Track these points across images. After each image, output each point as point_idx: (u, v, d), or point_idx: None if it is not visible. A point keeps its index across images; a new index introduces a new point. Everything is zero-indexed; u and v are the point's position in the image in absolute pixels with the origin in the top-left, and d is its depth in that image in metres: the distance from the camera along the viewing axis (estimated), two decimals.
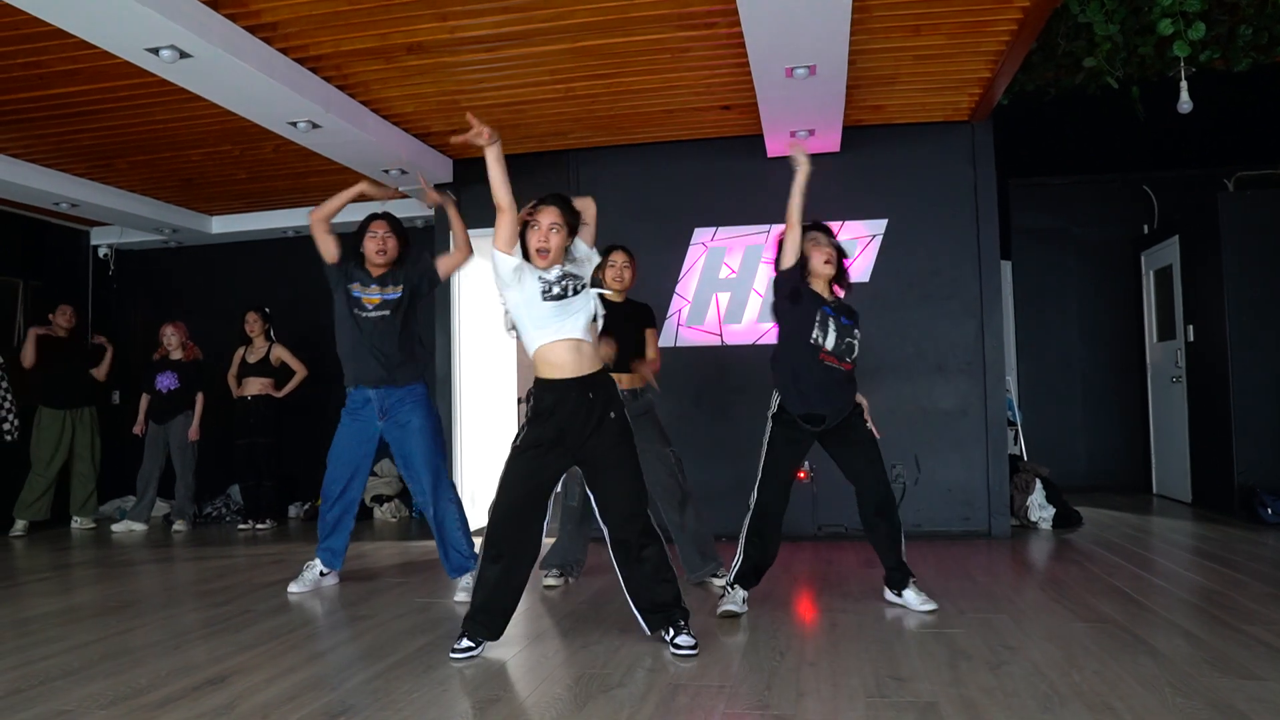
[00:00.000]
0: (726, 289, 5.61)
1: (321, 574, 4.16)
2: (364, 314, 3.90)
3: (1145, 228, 7.37)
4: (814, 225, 3.48)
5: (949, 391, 5.37)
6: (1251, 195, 5.95)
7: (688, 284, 5.64)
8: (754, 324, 5.58)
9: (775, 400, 3.47)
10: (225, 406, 6.64)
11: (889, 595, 3.58)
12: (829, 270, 3.43)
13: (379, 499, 6.94)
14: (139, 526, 6.44)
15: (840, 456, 3.53)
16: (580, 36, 4.15)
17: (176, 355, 6.63)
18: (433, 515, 3.97)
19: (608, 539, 3.04)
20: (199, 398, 6.59)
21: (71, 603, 3.98)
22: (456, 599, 3.83)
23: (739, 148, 5.59)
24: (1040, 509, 5.64)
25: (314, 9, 3.82)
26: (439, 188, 4.31)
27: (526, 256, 2.99)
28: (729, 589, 3.47)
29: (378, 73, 4.51)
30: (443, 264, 4.05)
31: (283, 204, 7.07)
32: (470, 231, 5.92)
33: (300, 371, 6.50)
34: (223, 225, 7.43)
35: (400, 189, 6.19)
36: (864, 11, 3.87)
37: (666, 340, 5.51)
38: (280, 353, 6.52)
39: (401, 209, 6.74)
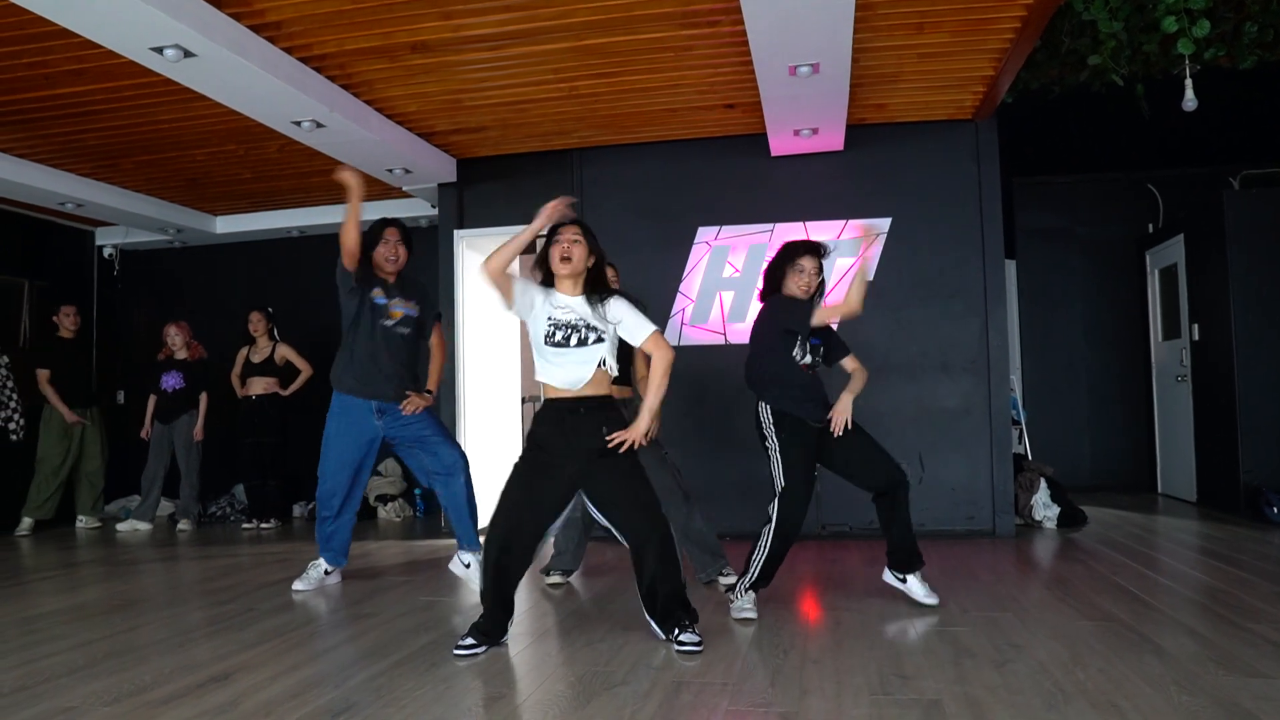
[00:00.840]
0: (730, 288, 5.60)
1: (326, 572, 4.17)
2: (386, 324, 3.90)
3: (1150, 226, 7.35)
4: (802, 247, 3.51)
5: (953, 390, 5.36)
6: (1257, 194, 5.93)
7: (691, 283, 5.63)
8: None
9: (767, 412, 3.45)
10: (230, 406, 6.65)
11: (891, 579, 3.56)
12: (805, 295, 3.49)
13: (383, 498, 6.95)
14: (144, 526, 6.46)
15: (838, 454, 3.50)
16: (583, 35, 4.15)
17: (181, 355, 6.64)
18: (461, 486, 3.99)
19: (630, 550, 3.07)
20: (203, 397, 6.60)
21: (76, 601, 3.99)
22: (473, 584, 3.88)
23: (742, 146, 5.59)
24: (1045, 508, 5.63)
25: (318, 8, 3.82)
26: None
27: (550, 272, 3.08)
28: (740, 593, 3.42)
29: (381, 72, 4.51)
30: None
31: (287, 204, 7.08)
32: (468, 231, 6.01)
33: (306, 370, 6.51)
34: (227, 225, 7.44)
35: (405, 188, 6.25)
36: (867, 9, 3.86)
37: (669, 339, 5.49)
38: (285, 352, 6.53)
39: (404, 209, 6.77)
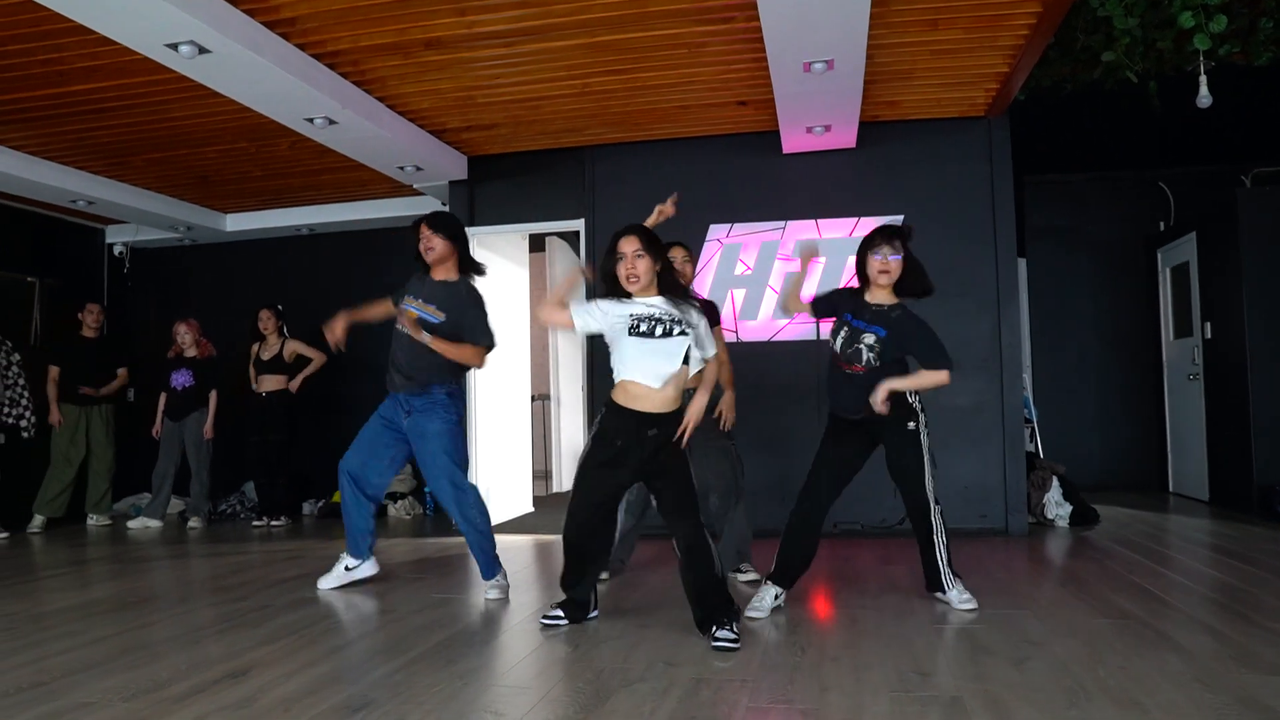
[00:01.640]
0: (742, 285, 5.59)
1: (347, 568, 4.09)
2: (401, 325, 3.85)
3: (1161, 224, 7.32)
4: (883, 232, 3.45)
5: (965, 388, 5.32)
6: (1271, 192, 5.90)
7: (703, 281, 5.62)
8: (769, 321, 5.56)
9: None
10: (240, 404, 6.66)
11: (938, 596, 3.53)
12: (885, 280, 3.40)
13: (393, 496, 6.95)
14: (154, 523, 6.47)
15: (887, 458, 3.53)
16: (598, 31, 4.14)
17: (190, 353, 6.64)
18: (460, 519, 3.89)
19: (674, 543, 3.11)
20: (213, 395, 6.60)
21: (89, 598, 4.00)
22: (488, 596, 3.83)
23: (754, 144, 5.57)
24: (1057, 506, 5.61)
25: (333, 4, 3.82)
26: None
27: (618, 287, 3.05)
28: (764, 583, 3.48)
29: (395, 68, 4.51)
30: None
31: (297, 201, 7.09)
32: (479, 229, 6.00)
33: (318, 359, 6.46)
34: (237, 223, 7.45)
35: (415, 186, 6.24)
36: (882, 5, 3.85)
37: None
38: (295, 346, 6.51)
39: (415, 207, 6.76)
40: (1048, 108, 6.44)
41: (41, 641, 3.16)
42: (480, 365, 3.92)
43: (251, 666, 2.80)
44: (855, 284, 3.54)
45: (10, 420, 6.38)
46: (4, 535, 6.02)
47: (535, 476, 7.34)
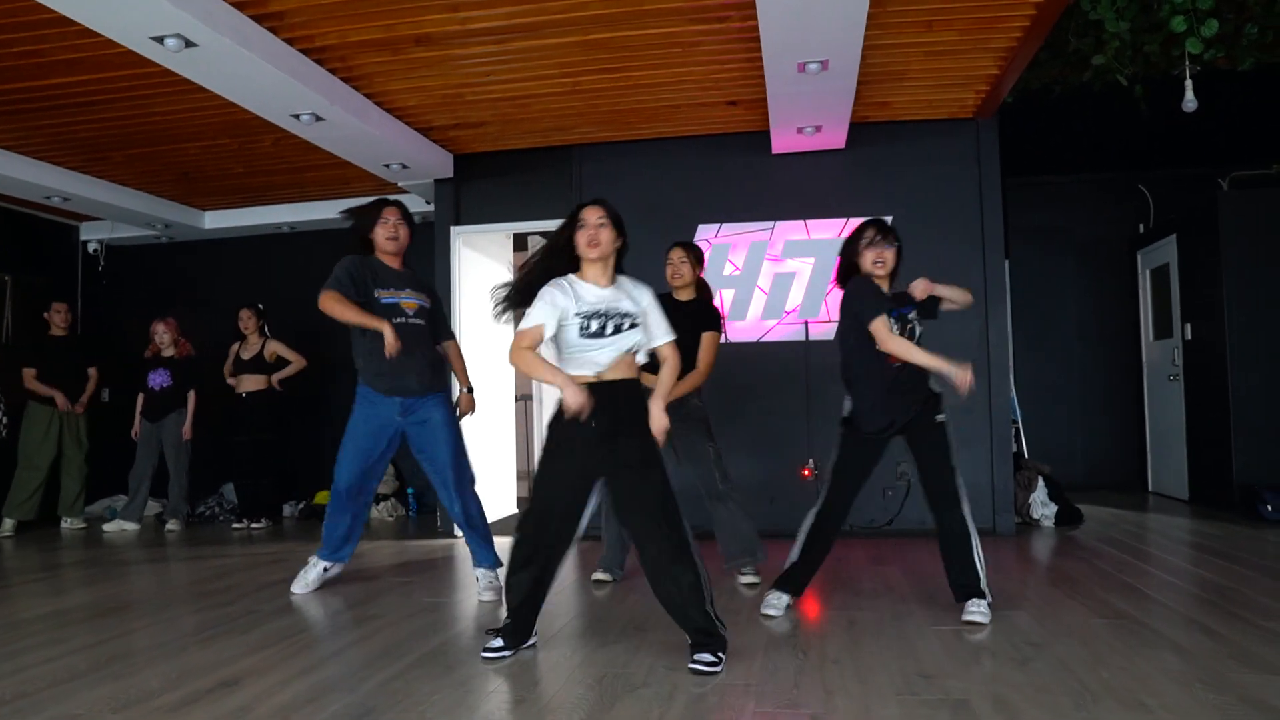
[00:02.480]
0: (730, 286, 5.57)
1: (325, 570, 4.06)
2: (405, 320, 3.74)
3: (1141, 226, 7.40)
4: (874, 225, 3.45)
5: (953, 389, 5.33)
6: (1250, 194, 5.98)
7: None
8: (758, 321, 5.55)
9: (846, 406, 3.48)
10: (219, 404, 6.54)
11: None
12: (881, 270, 3.41)
13: (376, 497, 6.86)
14: (131, 526, 6.34)
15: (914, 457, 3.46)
16: (591, 29, 4.10)
17: (169, 352, 6.52)
18: (460, 511, 3.89)
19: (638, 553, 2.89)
20: (191, 395, 6.48)
21: (67, 604, 3.88)
22: (481, 598, 3.80)
23: (744, 144, 5.56)
24: (1043, 506, 5.65)
25: None
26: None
27: (568, 261, 2.93)
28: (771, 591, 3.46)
29: (383, 65, 4.44)
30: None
31: (279, 199, 6.98)
32: (465, 228, 5.94)
33: (297, 363, 6.40)
34: (215, 220, 7.33)
35: (400, 184, 6.17)
36: (879, 6, 3.84)
37: None
38: (275, 348, 6.41)
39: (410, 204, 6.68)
40: (1029, 111, 6.48)
41: (21, 651, 3.07)
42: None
43: (244, 674, 2.73)
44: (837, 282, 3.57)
45: None
46: None
47: (519, 477, 7.28)
